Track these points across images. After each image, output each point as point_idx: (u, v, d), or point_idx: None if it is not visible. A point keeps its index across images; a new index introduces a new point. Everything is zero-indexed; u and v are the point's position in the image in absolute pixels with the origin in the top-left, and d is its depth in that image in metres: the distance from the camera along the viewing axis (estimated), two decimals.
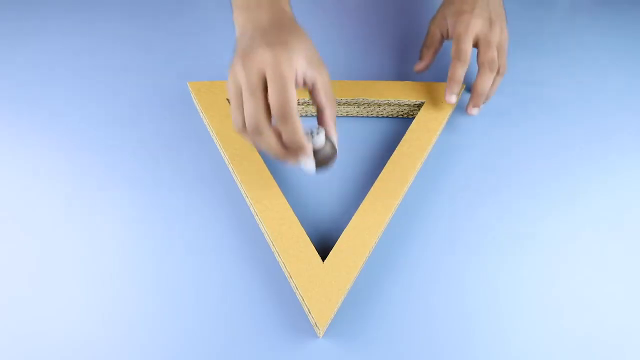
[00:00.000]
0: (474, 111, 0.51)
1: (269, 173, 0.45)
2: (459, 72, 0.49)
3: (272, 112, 0.35)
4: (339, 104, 0.52)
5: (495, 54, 0.48)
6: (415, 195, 0.47)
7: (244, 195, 0.46)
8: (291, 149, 0.37)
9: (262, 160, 0.46)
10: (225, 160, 0.49)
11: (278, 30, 0.38)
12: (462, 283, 0.42)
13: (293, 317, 0.40)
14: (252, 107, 0.35)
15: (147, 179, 0.48)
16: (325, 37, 0.64)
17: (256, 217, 0.44)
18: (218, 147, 0.50)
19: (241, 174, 0.45)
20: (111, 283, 0.41)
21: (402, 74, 0.59)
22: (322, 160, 0.39)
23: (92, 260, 0.42)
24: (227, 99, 0.51)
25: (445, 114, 0.51)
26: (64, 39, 0.62)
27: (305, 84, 0.38)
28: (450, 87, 0.49)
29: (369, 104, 0.52)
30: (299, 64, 0.36)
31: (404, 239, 0.45)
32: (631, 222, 0.46)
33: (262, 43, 0.36)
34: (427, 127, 0.49)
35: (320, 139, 0.38)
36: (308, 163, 0.38)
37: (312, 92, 0.39)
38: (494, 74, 0.49)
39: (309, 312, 0.38)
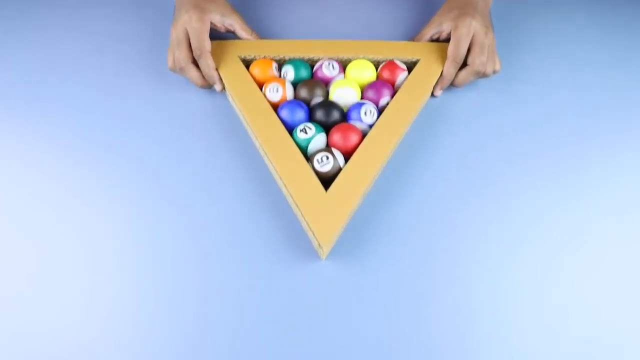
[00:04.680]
0: (439, 93, 0.56)
1: (275, 115, 0.49)
2: (452, 72, 0.54)
3: (194, 52, 0.52)
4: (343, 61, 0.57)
5: (485, 57, 0.53)
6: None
7: (252, 135, 0.50)
8: (207, 77, 0.53)
9: (269, 105, 0.50)
10: (236, 107, 0.52)
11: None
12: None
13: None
14: (178, 53, 0.52)
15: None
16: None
17: (264, 155, 0.49)
18: (229, 98, 0.54)
19: (251, 117, 0.49)
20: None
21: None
22: (327, 178, 0.45)
23: (89, 245, 0.43)
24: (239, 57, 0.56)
25: (439, 67, 0.55)
26: (62, 37, 0.62)
27: (227, 30, 0.57)
28: (441, 82, 0.55)
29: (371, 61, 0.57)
30: (213, 18, 0.54)
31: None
32: (633, 222, 0.46)
33: (184, 10, 0.53)
34: (423, 78, 0.54)
35: (326, 167, 0.45)
36: (218, 86, 0.54)
37: (235, 32, 0.57)
38: (478, 76, 0.54)
39: (313, 235, 0.41)
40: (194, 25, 0.52)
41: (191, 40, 0.52)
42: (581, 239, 0.45)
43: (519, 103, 0.56)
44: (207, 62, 0.52)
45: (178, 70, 0.53)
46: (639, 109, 0.55)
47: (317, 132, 0.47)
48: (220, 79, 0.54)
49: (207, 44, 0.52)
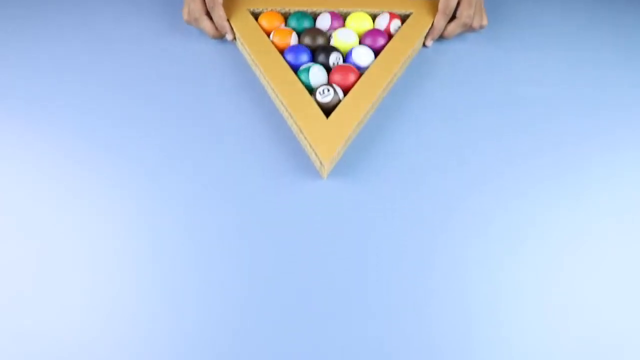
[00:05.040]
0: (430, 43, 0.62)
1: (282, 58, 0.54)
2: (442, 23, 0.60)
3: (207, 5, 0.58)
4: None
5: (472, 12, 0.59)
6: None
7: (261, 75, 0.56)
8: (219, 27, 0.59)
9: (275, 50, 0.55)
10: (247, 54, 0.58)
11: None
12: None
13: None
14: (193, 5, 0.58)
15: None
16: None
17: (271, 92, 0.55)
18: (239, 46, 0.60)
19: (260, 60, 0.54)
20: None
21: None
22: (328, 108, 0.51)
23: (89, 245, 0.43)
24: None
25: (430, 18, 0.61)
26: (61, 34, 0.62)
27: None
28: (431, 33, 0.61)
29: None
30: None
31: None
32: (633, 222, 0.46)
33: None
34: (415, 28, 0.59)
35: (327, 98, 0.51)
36: (229, 35, 0.60)
37: None
38: (465, 28, 0.60)
39: (316, 156, 0.47)
40: None
41: None
42: (581, 239, 0.45)
43: (519, 101, 0.56)
44: (219, 13, 0.58)
45: (193, 21, 0.59)
46: (639, 109, 0.55)
47: (312, 65, 0.53)
48: (232, 29, 0.60)
49: None
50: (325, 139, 0.47)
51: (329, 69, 0.56)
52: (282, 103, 0.52)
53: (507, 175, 0.49)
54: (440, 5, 0.59)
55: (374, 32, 0.58)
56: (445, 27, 0.61)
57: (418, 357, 0.38)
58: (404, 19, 0.63)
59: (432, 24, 0.60)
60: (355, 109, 0.50)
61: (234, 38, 0.61)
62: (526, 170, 0.50)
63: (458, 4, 0.59)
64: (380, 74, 0.54)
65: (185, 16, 0.60)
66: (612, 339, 0.39)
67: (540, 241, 0.44)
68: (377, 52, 0.58)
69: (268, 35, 0.60)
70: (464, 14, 0.59)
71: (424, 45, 0.62)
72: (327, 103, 0.51)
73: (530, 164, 0.50)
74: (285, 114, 0.53)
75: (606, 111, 0.55)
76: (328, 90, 0.51)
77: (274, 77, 0.53)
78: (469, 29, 0.61)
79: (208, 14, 0.60)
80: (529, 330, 0.39)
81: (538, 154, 0.51)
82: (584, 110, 0.55)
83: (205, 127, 0.53)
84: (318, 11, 0.62)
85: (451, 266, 0.43)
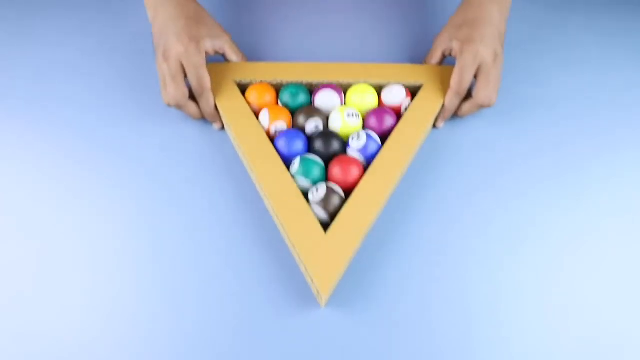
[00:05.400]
0: (442, 124, 0.52)
1: (273, 149, 0.46)
2: (454, 103, 0.50)
3: (193, 90, 0.48)
4: (342, 85, 0.53)
5: (490, 91, 0.49)
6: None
7: (248, 168, 0.47)
8: (207, 116, 0.50)
9: (266, 137, 0.47)
10: (232, 137, 0.50)
11: (185, 20, 0.49)
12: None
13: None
14: (175, 90, 0.47)
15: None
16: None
17: (260, 190, 0.46)
18: (225, 124, 0.51)
19: (247, 148, 0.46)
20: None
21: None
22: (325, 212, 0.42)
23: (89, 244, 0.43)
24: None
25: (444, 93, 0.51)
26: (63, 38, 0.62)
27: (216, 52, 0.52)
28: (443, 114, 0.51)
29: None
30: (206, 45, 0.49)
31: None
32: (633, 222, 0.46)
33: (176, 39, 0.47)
34: (427, 106, 0.50)
35: (318, 196, 0.42)
36: (217, 125, 0.51)
37: (224, 54, 0.53)
38: (481, 108, 0.51)
39: (312, 281, 0.39)
40: (192, 60, 0.47)
41: (189, 76, 0.47)
42: (581, 239, 0.45)
43: (518, 103, 0.56)
44: (208, 102, 0.49)
45: (175, 106, 0.49)
46: (639, 109, 0.55)
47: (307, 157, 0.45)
48: (220, 117, 0.51)
49: (208, 80, 0.48)
50: (323, 264, 0.39)
51: (326, 158, 0.46)
52: (272, 207, 0.43)
53: (508, 175, 0.49)
54: (453, 83, 0.48)
55: (380, 112, 0.48)
56: (459, 106, 0.51)
57: (418, 357, 0.38)
58: (413, 91, 0.53)
59: (444, 104, 0.50)
60: (359, 220, 0.41)
61: (222, 127, 0.51)
62: (526, 170, 0.50)
63: (475, 76, 0.49)
64: (388, 171, 0.44)
65: (166, 100, 0.48)
66: (612, 339, 0.39)
67: (540, 241, 0.44)
68: (383, 136, 0.49)
69: (257, 113, 0.50)
70: (480, 94, 0.48)
71: (434, 126, 0.52)
72: (320, 201, 0.42)
73: (530, 164, 0.50)
74: (276, 220, 0.44)
75: (606, 111, 0.55)
76: (319, 190, 0.42)
77: (264, 174, 0.44)
78: (485, 107, 0.50)
79: (192, 97, 0.51)
80: (529, 330, 0.39)
81: (538, 154, 0.51)
82: (584, 110, 0.55)
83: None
84: (315, 82, 0.52)
85: (451, 266, 0.43)
